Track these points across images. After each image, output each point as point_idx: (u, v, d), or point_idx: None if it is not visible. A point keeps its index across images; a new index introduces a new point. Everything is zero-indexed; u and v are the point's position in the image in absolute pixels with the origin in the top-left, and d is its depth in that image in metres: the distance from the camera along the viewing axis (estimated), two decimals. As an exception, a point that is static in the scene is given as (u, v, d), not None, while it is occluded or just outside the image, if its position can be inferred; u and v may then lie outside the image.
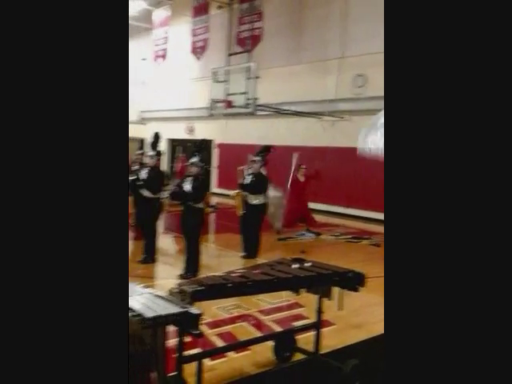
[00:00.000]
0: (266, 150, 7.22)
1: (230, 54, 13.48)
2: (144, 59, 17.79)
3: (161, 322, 2.13)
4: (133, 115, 18.00)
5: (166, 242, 7.98)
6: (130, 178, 7.18)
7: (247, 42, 13.22)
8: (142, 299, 2.32)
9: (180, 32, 15.93)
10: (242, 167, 7.48)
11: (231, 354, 3.51)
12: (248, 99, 11.03)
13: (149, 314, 2.11)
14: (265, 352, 3.48)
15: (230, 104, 11.57)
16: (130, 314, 2.05)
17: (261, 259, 6.70)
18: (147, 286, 2.61)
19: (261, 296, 4.41)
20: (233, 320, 4.38)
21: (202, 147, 6.46)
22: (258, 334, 3.94)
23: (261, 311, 4.60)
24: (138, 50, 18.46)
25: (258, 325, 4.27)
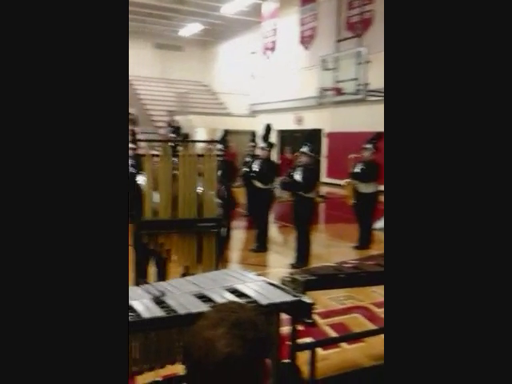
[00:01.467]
0: (377, 138, 6.96)
1: (339, 41, 13.19)
2: (253, 53, 18.17)
3: (274, 309, 2.18)
4: (244, 108, 18.54)
5: (277, 232, 8.12)
6: (243, 170, 7.41)
7: (357, 27, 12.82)
8: (255, 286, 2.39)
9: (288, 23, 15.97)
10: (352, 155, 7.31)
11: (344, 345, 3.47)
12: (358, 85, 10.71)
13: (263, 301, 2.17)
14: (379, 345, 3.39)
15: (339, 91, 11.34)
16: (244, 300, 2.13)
17: (373, 250, 6.51)
18: (260, 274, 2.68)
19: (374, 288, 4.30)
20: (345, 311, 4.33)
21: (311, 137, 6.43)
22: (372, 327, 3.84)
23: (375, 303, 4.47)
24: (248, 44, 18.92)
25: (372, 317, 4.16)
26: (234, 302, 1.06)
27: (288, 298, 2.26)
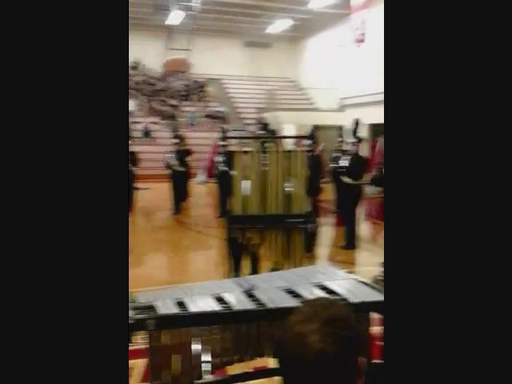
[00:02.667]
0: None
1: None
2: (342, 45, 17.81)
3: (365, 308, 2.13)
4: (332, 103, 18.26)
5: (367, 229, 7.91)
6: (331, 166, 7.32)
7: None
8: (345, 284, 2.36)
9: (378, 14, 15.42)
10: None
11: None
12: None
13: (353, 299, 2.13)
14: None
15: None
16: (334, 297, 2.11)
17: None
18: (349, 272, 2.64)
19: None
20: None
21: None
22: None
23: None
24: (337, 37, 18.58)
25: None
26: (326, 299, 1.06)
27: (380, 297, 2.20)
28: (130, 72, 19.40)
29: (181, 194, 9.28)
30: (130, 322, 1.86)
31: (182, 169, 9.13)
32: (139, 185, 9.64)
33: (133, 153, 9.26)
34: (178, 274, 5.60)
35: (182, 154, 9.28)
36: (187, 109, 18.37)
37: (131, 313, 1.91)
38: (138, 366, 2.81)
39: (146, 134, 16.39)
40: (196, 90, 19.73)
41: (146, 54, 19.33)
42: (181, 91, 19.33)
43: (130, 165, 8.95)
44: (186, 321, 1.94)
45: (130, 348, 1.94)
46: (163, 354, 1.91)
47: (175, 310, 1.98)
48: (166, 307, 1.99)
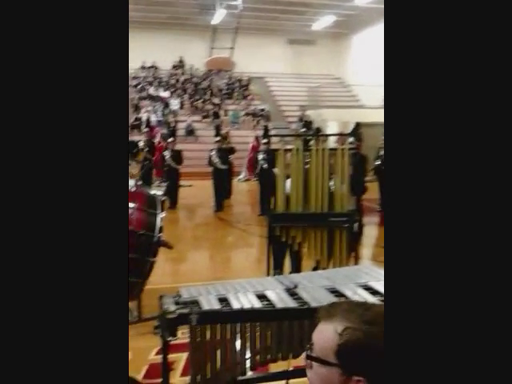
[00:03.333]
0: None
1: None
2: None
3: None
4: (378, 100, 17.89)
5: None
6: (376, 164, 7.18)
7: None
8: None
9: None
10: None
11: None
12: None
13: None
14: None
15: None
16: (378, 297, 2.06)
17: None
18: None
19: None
20: None
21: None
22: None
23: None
24: (382, 33, 18.16)
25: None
26: (363, 303, 1.10)
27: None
28: (175, 71, 19.78)
29: (223, 191, 9.37)
30: (173, 316, 1.89)
31: (224, 166, 9.21)
32: (183, 182, 9.81)
33: (177, 151, 9.45)
34: (220, 270, 5.65)
35: (225, 151, 9.37)
36: (230, 107, 18.51)
37: (175, 307, 1.94)
38: (180, 359, 2.86)
39: (190, 132, 16.64)
40: (239, 89, 19.85)
41: (190, 53, 19.61)
42: (224, 90, 19.51)
43: (173, 162, 9.13)
44: (229, 317, 1.94)
45: (173, 342, 1.97)
46: (205, 349, 1.93)
47: (218, 305, 1.99)
48: (209, 303, 2.00)
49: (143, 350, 3.06)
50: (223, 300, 2.05)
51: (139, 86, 18.49)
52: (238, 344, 1.96)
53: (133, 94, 17.90)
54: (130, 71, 19.04)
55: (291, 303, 2.04)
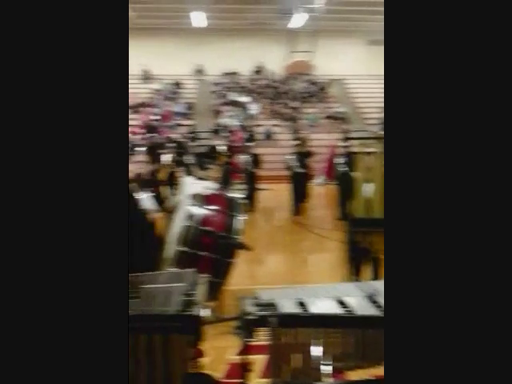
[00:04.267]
0: None
1: None
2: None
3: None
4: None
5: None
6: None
7: None
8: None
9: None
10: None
11: None
12: None
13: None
14: None
15: None
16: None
17: None
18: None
19: None
20: None
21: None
22: None
23: None
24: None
25: None
26: None
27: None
28: (254, 76, 20.11)
29: (301, 195, 9.35)
30: (253, 318, 1.92)
31: (302, 170, 9.19)
32: (261, 185, 9.93)
33: (256, 155, 9.60)
34: (297, 274, 5.64)
35: (303, 155, 9.34)
36: (308, 110, 18.46)
37: (254, 309, 1.97)
38: (258, 361, 2.89)
39: (268, 136, 16.82)
40: (317, 92, 19.73)
41: (269, 58, 19.84)
42: (302, 93, 19.49)
43: (252, 166, 9.28)
44: (308, 321, 1.94)
45: (252, 344, 2.00)
46: (283, 352, 1.94)
47: (297, 309, 1.99)
48: (288, 306, 2.01)
49: (222, 349, 3.13)
50: (302, 304, 2.05)
51: (220, 92, 19.03)
52: (316, 349, 1.94)
53: (214, 100, 18.47)
54: (212, 78, 19.68)
55: (372, 311, 1.99)
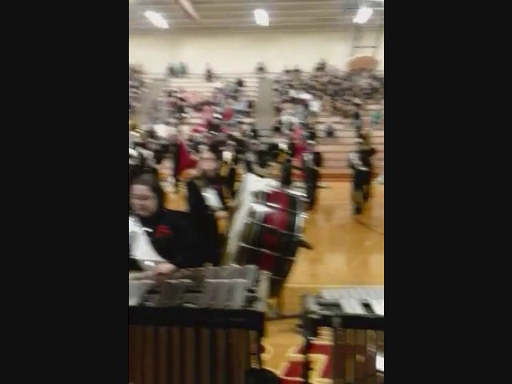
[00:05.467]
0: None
1: None
2: None
3: None
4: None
5: None
6: None
7: None
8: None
9: None
10: None
11: None
12: None
13: None
14: None
15: None
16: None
17: None
18: None
19: None
20: None
21: None
22: None
23: None
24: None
25: None
26: None
27: None
28: (316, 73, 19.92)
29: (363, 194, 9.16)
30: (316, 317, 1.90)
31: (365, 168, 8.99)
32: (322, 184, 9.83)
33: (317, 153, 9.51)
34: (358, 274, 5.53)
35: (366, 153, 9.14)
36: (371, 107, 18.02)
37: (317, 308, 1.95)
38: (319, 360, 2.87)
39: (330, 133, 16.61)
40: (381, 88, 19.21)
41: (332, 54, 19.58)
42: (365, 89, 19.07)
43: (314, 164, 9.20)
44: (373, 323, 1.89)
45: (314, 343, 1.99)
46: (347, 354, 1.90)
47: (361, 310, 1.95)
48: (352, 307, 1.97)
49: (283, 346, 3.14)
50: (366, 305, 2.00)
51: (281, 90, 19.03)
52: (379, 352, 1.90)
53: (275, 98, 18.50)
54: (273, 76, 19.71)
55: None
